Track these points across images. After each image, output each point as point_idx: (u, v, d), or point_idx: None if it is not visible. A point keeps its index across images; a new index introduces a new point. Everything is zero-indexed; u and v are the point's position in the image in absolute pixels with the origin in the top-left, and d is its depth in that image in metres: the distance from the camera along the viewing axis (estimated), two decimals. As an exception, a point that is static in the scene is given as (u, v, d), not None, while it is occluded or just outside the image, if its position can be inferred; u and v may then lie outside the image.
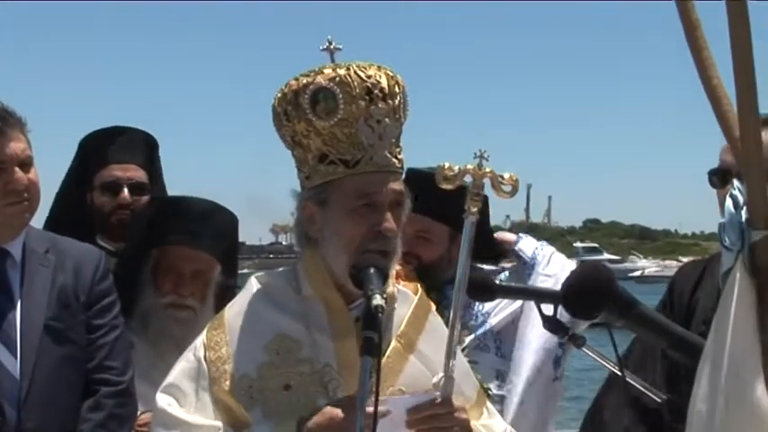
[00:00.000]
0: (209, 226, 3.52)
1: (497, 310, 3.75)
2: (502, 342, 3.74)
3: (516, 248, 3.91)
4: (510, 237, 4.03)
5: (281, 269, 2.74)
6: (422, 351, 2.64)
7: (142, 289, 3.48)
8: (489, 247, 3.94)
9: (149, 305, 3.46)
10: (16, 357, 2.94)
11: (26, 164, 3.00)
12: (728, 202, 1.89)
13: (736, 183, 1.92)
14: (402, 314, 2.66)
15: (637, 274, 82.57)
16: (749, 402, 1.79)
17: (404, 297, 2.71)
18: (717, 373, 1.84)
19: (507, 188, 2.52)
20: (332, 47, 2.59)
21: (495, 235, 4.06)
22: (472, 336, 3.64)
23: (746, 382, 1.80)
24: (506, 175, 2.50)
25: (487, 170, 2.50)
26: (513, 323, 3.75)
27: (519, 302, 3.71)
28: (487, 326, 3.70)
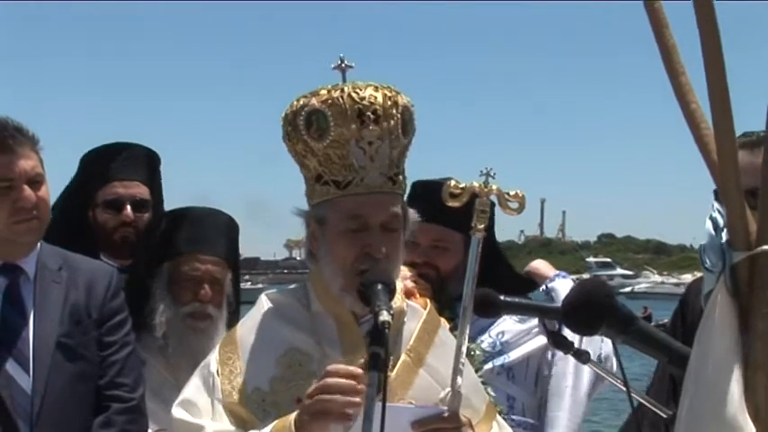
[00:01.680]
0: (218, 232, 3.57)
1: (518, 345, 3.70)
2: (512, 369, 3.69)
3: (549, 286, 3.81)
4: (544, 270, 3.90)
5: (290, 287, 2.78)
6: (431, 365, 2.66)
7: (157, 304, 3.49)
8: (512, 278, 3.83)
9: (169, 318, 3.46)
10: (29, 374, 2.95)
11: (36, 181, 3.01)
12: (708, 224, 1.92)
13: (715, 205, 1.95)
14: (411, 329, 2.69)
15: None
16: (729, 422, 1.82)
17: (413, 312, 2.74)
18: (700, 392, 1.87)
19: (514, 205, 2.52)
20: (343, 65, 2.61)
21: (530, 266, 3.96)
22: (491, 365, 3.61)
23: (727, 402, 1.81)
24: (512, 192, 2.51)
25: (494, 187, 2.50)
26: (526, 360, 3.71)
27: (538, 343, 3.67)
28: (507, 358, 3.66)
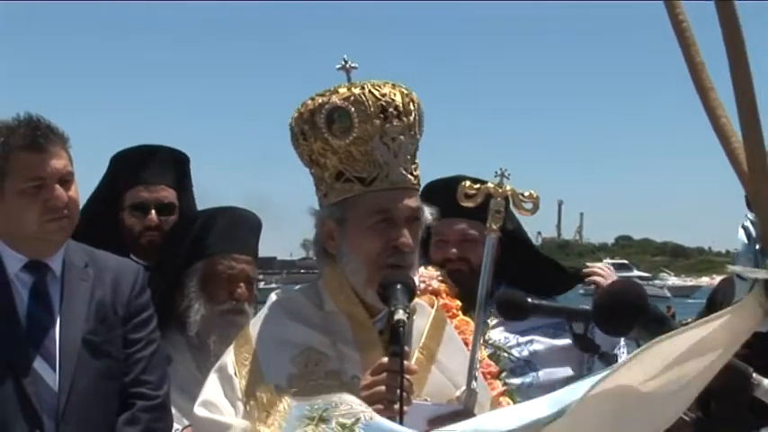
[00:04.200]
0: (250, 232, 3.63)
1: (548, 363, 3.68)
2: (537, 390, 3.64)
3: None
4: (602, 275, 3.75)
5: (299, 286, 2.80)
6: (441, 361, 2.69)
7: (191, 302, 3.52)
8: (555, 276, 3.82)
9: (204, 316, 3.49)
10: (55, 371, 2.97)
11: (66, 181, 3.03)
12: (741, 232, 1.92)
13: (748, 214, 1.94)
14: (421, 326, 2.71)
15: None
16: None
17: (422, 309, 2.76)
18: None
19: (528, 205, 2.55)
20: (348, 66, 2.64)
21: (590, 267, 3.83)
22: (519, 381, 3.59)
23: None
24: (527, 193, 2.53)
25: (508, 188, 2.53)
26: (552, 386, 3.59)
27: (566, 373, 3.67)
28: (536, 378, 3.65)
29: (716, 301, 3.19)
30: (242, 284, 3.53)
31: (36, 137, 2.99)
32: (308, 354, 2.60)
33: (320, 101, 2.59)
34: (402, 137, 2.59)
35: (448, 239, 3.65)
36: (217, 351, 3.39)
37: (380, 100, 2.56)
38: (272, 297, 2.75)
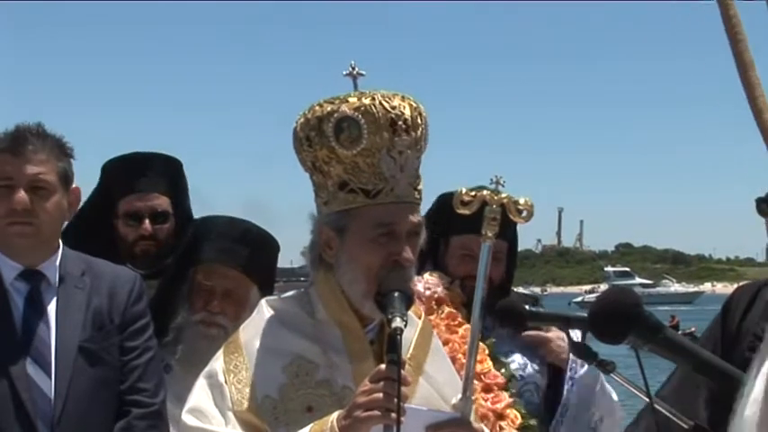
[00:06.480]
0: (243, 244, 3.52)
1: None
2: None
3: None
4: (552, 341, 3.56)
5: (290, 293, 2.76)
6: (428, 372, 2.68)
7: (178, 309, 3.50)
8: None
9: (181, 324, 3.47)
10: (51, 378, 2.97)
11: (40, 188, 3.01)
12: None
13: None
14: (409, 337, 2.67)
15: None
16: None
17: (410, 320, 2.67)
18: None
19: (523, 213, 2.53)
20: (355, 72, 2.60)
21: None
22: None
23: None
24: (522, 201, 2.52)
25: (503, 195, 2.51)
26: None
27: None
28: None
29: (730, 308, 3.19)
30: (218, 297, 3.45)
31: (19, 141, 2.99)
32: (299, 364, 2.58)
33: (329, 108, 2.55)
34: (409, 151, 2.56)
35: (475, 256, 3.57)
36: (186, 358, 3.39)
37: (390, 112, 2.53)
38: (263, 303, 2.72)
